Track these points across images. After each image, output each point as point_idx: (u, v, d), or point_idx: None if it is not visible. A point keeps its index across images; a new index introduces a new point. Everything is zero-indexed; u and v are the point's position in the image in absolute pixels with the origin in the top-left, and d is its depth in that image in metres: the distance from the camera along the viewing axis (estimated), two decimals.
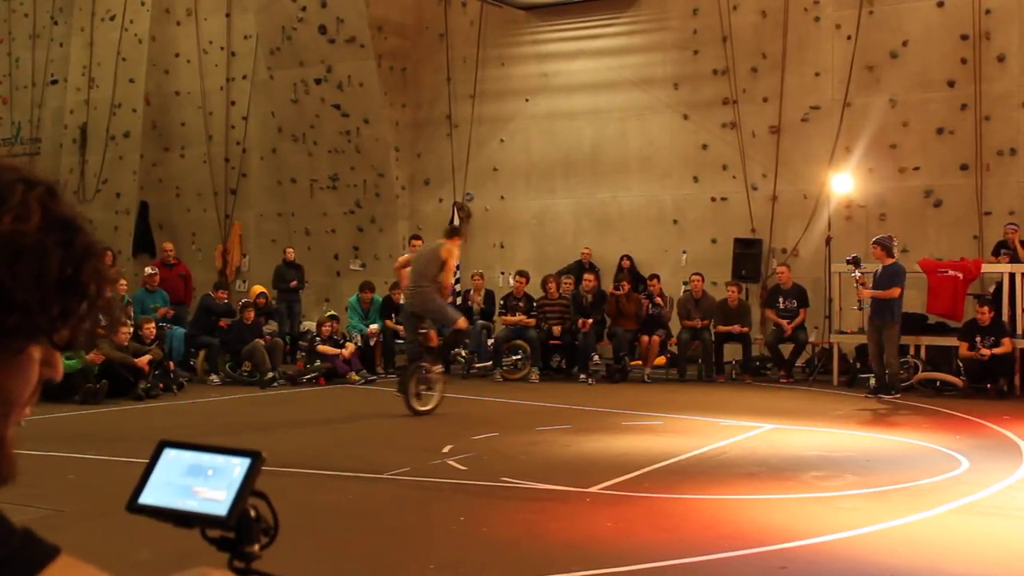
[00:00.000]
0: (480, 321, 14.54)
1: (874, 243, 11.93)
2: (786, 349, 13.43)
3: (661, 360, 13.83)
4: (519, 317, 13.98)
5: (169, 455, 1.29)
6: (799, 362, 13.59)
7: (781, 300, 13.62)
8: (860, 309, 12.70)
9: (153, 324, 12.68)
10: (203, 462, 1.26)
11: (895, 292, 11.59)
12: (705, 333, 13.57)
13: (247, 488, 1.22)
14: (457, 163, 17.46)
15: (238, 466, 1.24)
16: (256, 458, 1.24)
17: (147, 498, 1.26)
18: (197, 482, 1.25)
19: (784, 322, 13.29)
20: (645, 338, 13.62)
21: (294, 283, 16.23)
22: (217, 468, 1.25)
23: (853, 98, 14.34)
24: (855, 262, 11.94)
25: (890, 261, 11.71)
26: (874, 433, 9.19)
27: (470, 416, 10.37)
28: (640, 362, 13.71)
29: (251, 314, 13.79)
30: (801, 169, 14.76)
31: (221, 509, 1.21)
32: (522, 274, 14.41)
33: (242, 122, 18.94)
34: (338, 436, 9.24)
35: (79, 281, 1.03)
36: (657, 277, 14.20)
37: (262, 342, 13.47)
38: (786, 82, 14.79)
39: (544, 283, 14.24)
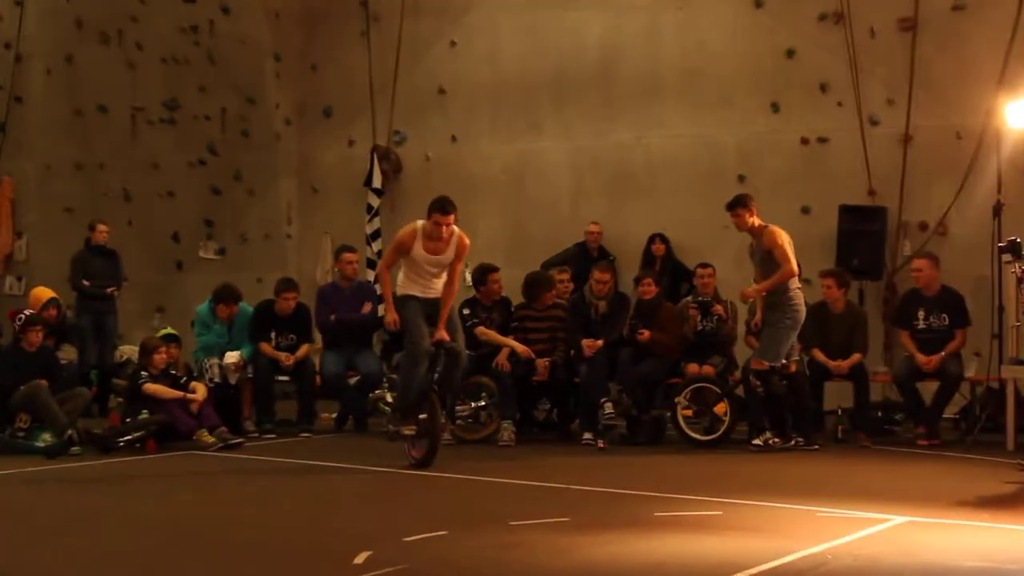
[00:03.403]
0: None
1: None
2: (928, 390, 13.44)
3: (720, 408, 13.67)
4: (491, 334, 13.83)
5: None
6: (949, 412, 13.64)
7: (921, 313, 13.64)
8: None
9: None
10: None
11: None
12: (797, 363, 13.43)
13: None
14: (378, 81, 17.45)
15: None
16: None
17: None
18: None
19: (923, 357, 13.31)
20: (693, 369, 13.58)
21: (111, 289, 16.25)
22: None
23: None
24: (1014, 249, 11.86)
25: None
26: None
27: (403, 501, 10.31)
28: (688, 411, 13.56)
29: (37, 336, 13.73)
30: (952, 91, 14.88)
31: None
32: (491, 270, 14.22)
33: (14, 9, 18.83)
34: (178, 541, 9.02)
35: None
36: (710, 265, 14.13)
37: (45, 383, 13.27)
38: None
39: (532, 287, 14.17)
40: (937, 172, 15.01)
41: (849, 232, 14.96)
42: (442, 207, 11.61)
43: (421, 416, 11.57)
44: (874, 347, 14.14)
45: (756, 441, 12.74)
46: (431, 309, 11.68)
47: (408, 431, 11.67)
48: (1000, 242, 12.41)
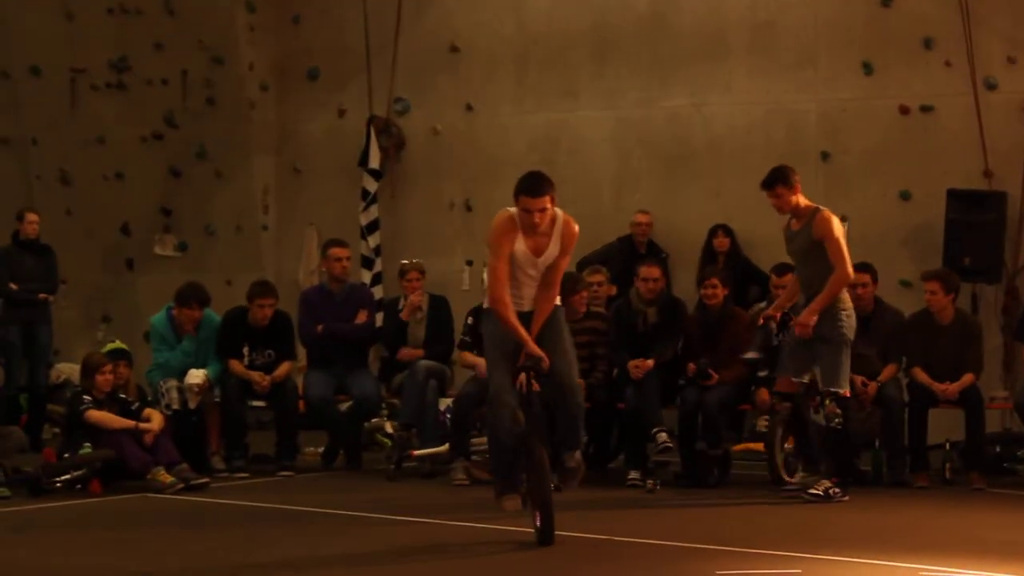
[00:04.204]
0: (423, 362, 14.58)
1: None
2: None
3: (792, 441, 13.69)
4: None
5: None
6: None
7: None
8: None
9: None
10: None
11: None
12: (889, 386, 13.58)
13: None
14: (376, 36, 17.59)
15: None
16: None
17: None
18: None
19: None
20: (766, 395, 13.53)
21: (43, 296, 16.33)
22: None
23: None
24: None
25: None
26: None
27: (408, 556, 10.29)
28: (757, 444, 13.76)
29: None
30: None
31: None
32: None
33: None
34: None
35: None
36: (791, 270, 13.88)
37: None
38: None
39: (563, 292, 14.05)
40: None
41: (959, 223, 14.96)
42: (531, 187, 10.08)
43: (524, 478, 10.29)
44: (991, 366, 14.16)
45: (814, 490, 12.45)
46: (524, 321, 10.27)
47: (510, 503, 10.46)
48: None
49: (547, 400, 10.42)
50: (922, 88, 15.55)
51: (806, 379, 12.53)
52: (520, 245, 10.11)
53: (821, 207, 12.37)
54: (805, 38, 16.06)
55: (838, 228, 12.25)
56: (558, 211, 10.16)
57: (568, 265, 10.87)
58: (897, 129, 15.66)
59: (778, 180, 12.43)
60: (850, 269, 12.20)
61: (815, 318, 12.11)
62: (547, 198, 9.98)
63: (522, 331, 10.08)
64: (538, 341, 10.13)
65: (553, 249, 10.18)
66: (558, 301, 10.46)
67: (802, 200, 12.41)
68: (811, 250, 12.36)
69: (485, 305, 10.58)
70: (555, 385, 10.27)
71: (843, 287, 12.23)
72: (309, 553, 10.63)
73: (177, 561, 10.34)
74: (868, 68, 15.76)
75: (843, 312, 12.26)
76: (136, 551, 10.73)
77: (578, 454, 10.53)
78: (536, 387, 10.15)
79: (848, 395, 12.47)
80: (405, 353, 14.61)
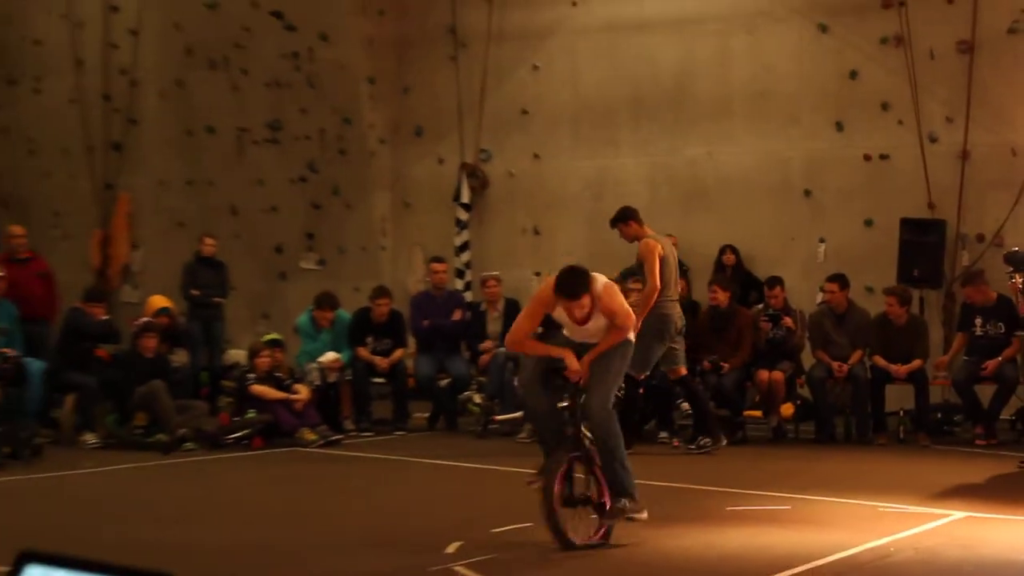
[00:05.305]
0: (501, 349, 14.61)
1: None
2: (986, 393, 13.43)
3: (788, 409, 13.84)
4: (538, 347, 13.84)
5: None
6: (1006, 414, 13.62)
7: (978, 321, 13.69)
8: None
9: None
10: None
11: None
12: (857, 368, 13.59)
13: None
14: (466, 103, 17.58)
15: None
16: None
17: None
18: None
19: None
20: (763, 375, 13.64)
21: (217, 299, 16.60)
22: None
23: None
24: (1015, 260, 11.99)
25: None
26: None
27: (490, 497, 10.46)
28: (757, 412, 13.78)
29: (152, 342, 14.04)
30: (1008, 110, 14.79)
31: None
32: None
33: (130, 38, 19.02)
34: (288, 530, 9.29)
35: None
36: (780, 283, 14.22)
37: (163, 384, 13.59)
38: None
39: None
40: (993, 187, 14.91)
41: (910, 243, 14.91)
42: (568, 290, 8.14)
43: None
44: (934, 353, 14.11)
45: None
46: (584, 350, 8.44)
47: (534, 484, 8.41)
48: (1005, 253, 12.42)
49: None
50: (881, 141, 15.44)
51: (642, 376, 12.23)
52: (562, 313, 8.33)
53: (648, 237, 12.39)
54: (791, 103, 15.98)
55: (653, 251, 12.12)
56: (598, 282, 8.25)
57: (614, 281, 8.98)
58: (862, 172, 15.57)
59: (617, 220, 12.68)
60: (656, 283, 11.96)
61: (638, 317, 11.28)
62: (585, 299, 8.09)
63: (545, 346, 8.52)
64: (592, 369, 8.33)
65: (597, 321, 8.31)
66: (631, 336, 8.53)
67: (644, 231, 12.46)
68: (638, 271, 12.54)
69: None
70: (584, 410, 8.42)
71: (651, 297, 11.96)
72: (418, 493, 10.89)
73: (319, 496, 10.65)
74: (840, 126, 15.65)
75: (654, 314, 11.99)
76: (288, 489, 11.09)
77: (624, 502, 8.34)
78: (573, 378, 8.36)
79: (638, 378, 12.06)
80: (486, 346, 14.88)
